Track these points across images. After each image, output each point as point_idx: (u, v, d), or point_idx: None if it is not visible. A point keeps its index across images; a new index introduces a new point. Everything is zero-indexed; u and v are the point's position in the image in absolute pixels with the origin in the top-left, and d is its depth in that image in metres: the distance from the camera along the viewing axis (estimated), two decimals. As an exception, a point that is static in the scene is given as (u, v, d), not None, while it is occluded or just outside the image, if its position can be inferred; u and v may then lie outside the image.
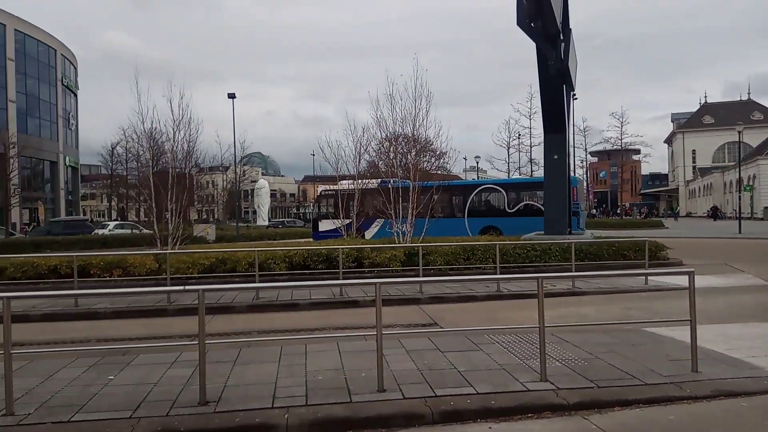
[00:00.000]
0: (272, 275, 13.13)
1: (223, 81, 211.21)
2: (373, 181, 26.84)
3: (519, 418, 4.58)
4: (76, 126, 61.67)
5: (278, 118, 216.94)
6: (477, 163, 52.81)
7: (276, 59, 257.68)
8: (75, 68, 60.75)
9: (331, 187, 29.20)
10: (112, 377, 5.51)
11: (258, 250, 12.90)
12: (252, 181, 68.12)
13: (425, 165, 20.34)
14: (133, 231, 33.47)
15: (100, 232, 34.20)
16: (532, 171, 48.21)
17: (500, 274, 12.64)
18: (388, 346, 6.00)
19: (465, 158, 54.03)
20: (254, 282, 11.67)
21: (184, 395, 4.91)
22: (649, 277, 11.84)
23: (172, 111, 15.52)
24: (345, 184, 29.95)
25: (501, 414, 4.61)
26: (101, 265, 13.30)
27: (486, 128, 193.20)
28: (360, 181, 30.13)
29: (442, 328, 8.24)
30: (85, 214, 73.67)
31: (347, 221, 26.27)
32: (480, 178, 47.13)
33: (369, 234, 25.86)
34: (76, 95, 61.05)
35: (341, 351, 6.37)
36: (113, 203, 70.64)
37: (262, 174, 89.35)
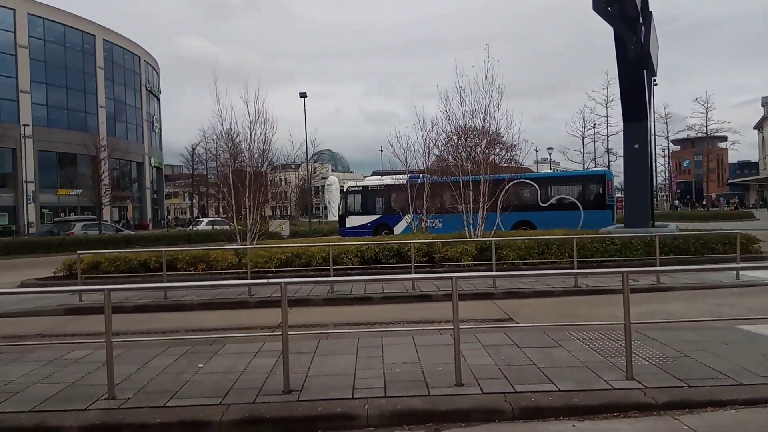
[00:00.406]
0: (345, 269, 13.38)
1: (295, 81, 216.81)
2: (401, 177, 25.99)
3: (604, 417, 4.43)
4: (160, 128, 65.32)
5: (346, 116, 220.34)
6: (549, 154, 51.33)
7: (344, 58, 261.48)
8: (157, 73, 64.28)
9: (358, 183, 29.10)
10: (201, 365, 5.82)
11: (332, 245, 13.17)
12: (322, 178, 69.58)
13: (495, 158, 19.99)
14: (223, 227, 35.13)
15: (195, 228, 35.94)
16: (609, 162, 46.32)
17: (577, 269, 12.25)
18: (463, 340, 5.96)
19: (536, 150, 52.62)
20: (328, 275, 11.95)
21: (269, 384, 5.11)
22: (741, 272, 11.10)
23: (248, 112, 16.11)
24: (373, 180, 29.48)
25: (585, 412, 4.49)
26: (187, 259, 14.03)
27: (558, 119, 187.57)
28: (387, 177, 29.88)
29: (517, 323, 8.10)
30: (168, 212, 77.88)
31: (375, 217, 27.06)
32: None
33: (398, 230, 25.64)
34: (159, 99, 64.63)
35: (417, 344, 6.40)
36: (194, 201, 74.22)
37: (332, 171, 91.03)
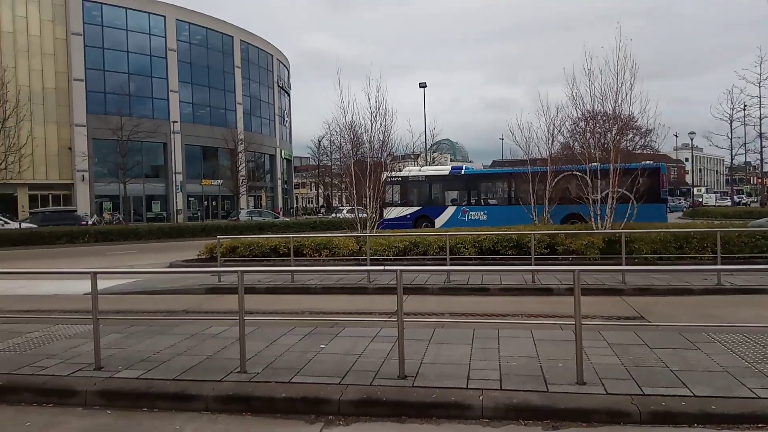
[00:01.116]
0: (462, 259, 13.29)
1: (413, 72, 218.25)
2: (442, 167, 26.57)
3: (745, 428, 4.00)
4: (290, 122, 69.18)
5: (465, 104, 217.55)
6: (691, 139, 46.78)
7: (462, 46, 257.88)
8: (288, 70, 67.99)
9: (397, 173, 28.20)
10: (323, 346, 6.11)
11: (449, 235, 13.13)
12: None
13: (627, 144, 18.63)
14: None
15: (339, 216, 37.58)
16: (762, 147, 41.23)
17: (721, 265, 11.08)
18: (587, 337, 5.66)
19: (676, 135, 48.21)
20: (444, 265, 11.95)
21: (385, 368, 5.24)
22: None
23: (369, 104, 16.52)
24: (412, 171, 28.33)
25: (723, 421, 4.08)
26: (312, 245, 14.79)
27: (701, 101, 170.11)
28: (427, 167, 28.45)
29: (649, 322, 7.53)
30: (297, 202, 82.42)
31: (416, 209, 26.32)
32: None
33: (439, 222, 25.05)
34: (289, 95, 68.41)
35: (535, 339, 6.20)
36: (320, 191, 77.81)
37: (451, 160, 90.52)
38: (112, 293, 10.65)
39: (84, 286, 11.44)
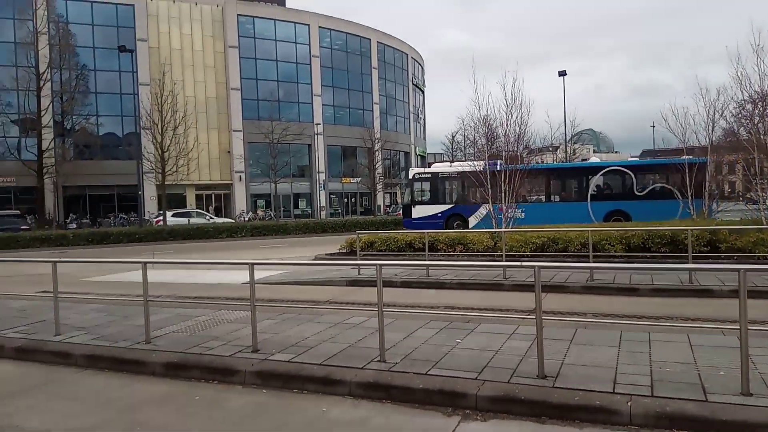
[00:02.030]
0: (607, 257, 12.51)
1: (550, 61, 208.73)
2: (477, 163, 23.52)
3: None
4: (424, 119, 69.95)
5: (609, 91, 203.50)
6: None
7: (603, 31, 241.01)
8: (422, 68, 68.78)
9: (426, 169, 26.59)
10: (459, 340, 6.15)
11: (591, 230, 12.43)
12: (582, 160, 65.77)
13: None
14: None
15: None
16: None
17: None
18: (755, 344, 5.08)
19: None
20: (587, 262, 11.34)
21: (523, 366, 5.13)
22: None
23: (505, 96, 16.18)
24: (443, 167, 26.46)
25: None
26: (446, 241, 14.87)
27: None
28: (458, 163, 26.44)
29: (836, 331, 6.51)
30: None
31: (447, 207, 24.80)
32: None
33: (473, 221, 23.37)
34: (423, 92, 69.19)
35: (692, 344, 5.67)
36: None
37: (594, 152, 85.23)
38: (266, 283, 11.61)
39: (241, 276, 12.63)
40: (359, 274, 12.18)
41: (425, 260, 12.77)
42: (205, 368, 5.66)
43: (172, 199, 37.96)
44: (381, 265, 5.55)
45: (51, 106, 37.57)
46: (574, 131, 55.97)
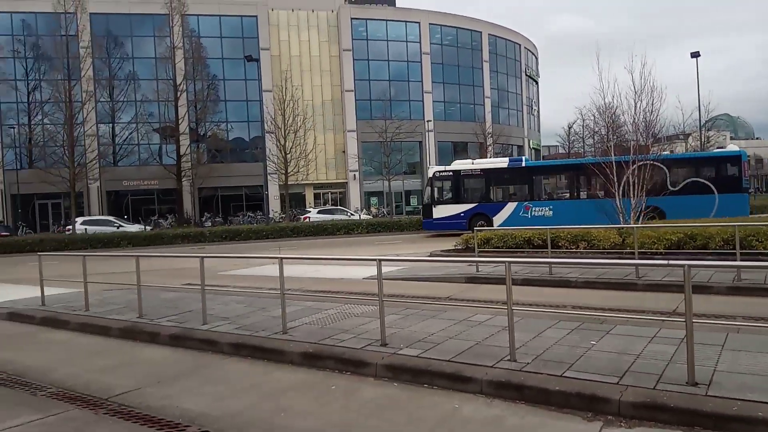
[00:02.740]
0: (757, 254, 11.30)
1: (676, 41, 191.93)
2: (498, 159, 23.17)
3: None
4: (538, 111, 67.58)
5: (747, 71, 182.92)
6: None
7: (736, 3, 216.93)
8: (536, 58, 66.47)
9: (447, 167, 25.31)
10: (593, 342, 5.87)
11: (737, 225, 11.29)
12: (718, 147, 59.92)
13: None
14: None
15: None
16: None
17: None
18: None
19: None
20: (732, 260, 10.32)
21: (669, 372, 4.79)
22: None
23: (633, 82, 15.18)
24: (464, 164, 25.09)
25: None
26: (568, 237, 14.27)
27: None
28: (480, 160, 25.87)
29: None
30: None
31: (471, 206, 23.81)
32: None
33: (497, 220, 23.00)
34: (537, 83, 66.85)
35: None
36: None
37: (731, 138, 77.33)
38: (384, 278, 11.85)
39: (361, 271, 13.02)
40: (477, 271, 12.06)
41: (546, 257, 12.34)
42: (338, 359, 5.91)
43: (292, 198, 39.98)
44: (510, 262, 5.43)
45: (187, 114, 41.22)
46: (708, 116, 51.24)
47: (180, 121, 39.18)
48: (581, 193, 23.43)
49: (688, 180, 21.78)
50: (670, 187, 21.46)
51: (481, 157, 48.24)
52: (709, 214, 19.52)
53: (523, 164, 24.58)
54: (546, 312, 7.21)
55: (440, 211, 24.71)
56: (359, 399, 5.03)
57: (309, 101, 45.76)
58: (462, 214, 24.12)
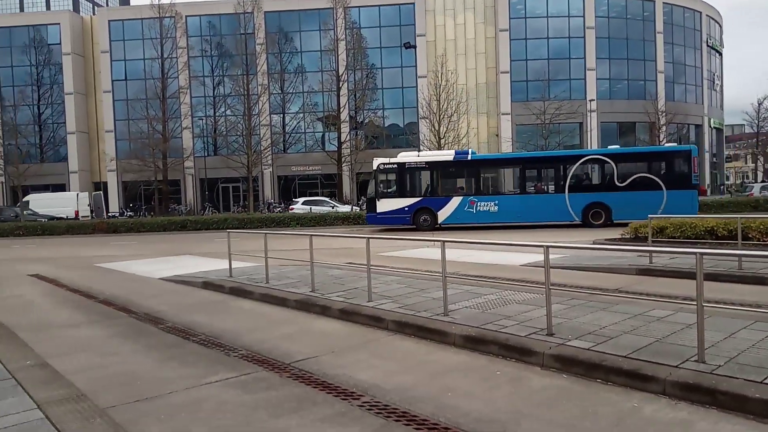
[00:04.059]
0: None
1: None
2: (444, 152, 23.29)
3: None
4: (721, 86, 59.92)
5: None
6: None
7: None
8: (720, 26, 58.85)
9: (392, 160, 23.88)
10: (804, 349, 5.10)
11: None
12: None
13: None
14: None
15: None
16: None
17: None
18: None
19: None
20: None
21: None
22: None
23: None
24: (408, 157, 24.00)
25: None
26: (762, 229, 12.51)
27: None
28: (426, 153, 25.26)
29: None
30: (728, 178, 71.23)
31: (415, 200, 22.94)
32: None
33: (442, 215, 22.54)
34: (720, 54, 59.22)
35: None
36: (759, 163, 65.11)
37: None
38: (543, 266, 11.44)
39: (519, 258, 12.71)
40: (651, 262, 11.10)
41: (735, 249, 10.94)
42: (503, 345, 5.84)
43: (445, 183, 40.17)
44: (701, 253, 4.88)
45: (347, 103, 43.37)
46: None
47: (341, 110, 41.36)
48: (529, 188, 22.80)
49: (636, 175, 21.34)
50: (617, 182, 21.22)
51: (651, 138, 44.27)
52: (656, 210, 19.09)
53: (469, 157, 23.43)
54: (740, 311, 6.39)
55: (384, 205, 23.66)
56: (527, 387, 4.92)
57: (463, 85, 45.45)
58: (406, 209, 23.27)
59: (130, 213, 43.87)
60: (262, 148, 42.32)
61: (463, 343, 6.18)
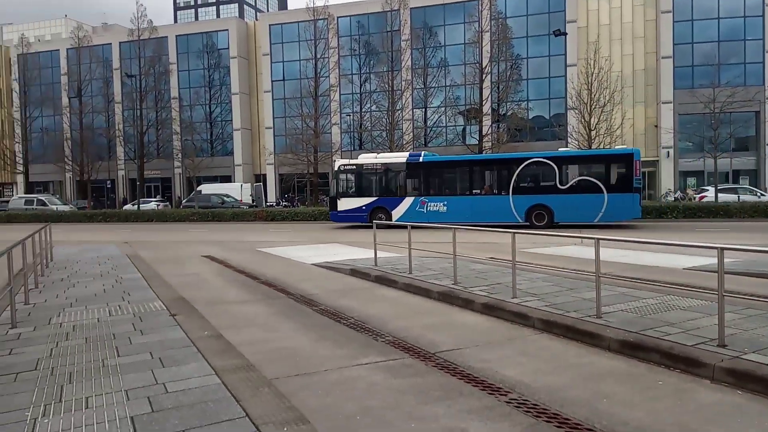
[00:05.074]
0: None
1: None
2: (398, 154, 25.49)
3: None
4: None
5: None
6: None
7: None
8: None
9: (352, 161, 25.80)
10: None
11: None
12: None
13: None
14: None
15: None
16: None
17: None
18: None
19: None
20: None
21: None
22: None
23: None
24: (367, 158, 25.33)
25: None
26: None
27: None
28: (384, 154, 26.27)
29: None
30: None
31: (371, 200, 24.19)
32: None
33: (396, 214, 23.73)
34: None
35: None
36: None
37: None
38: (711, 270, 10.32)
39: (681, 260, 11.61)
40: None
41: None
42: (665, 354, 5.39)
43: (594, 178, 37.86)
44: None
45: (490, 95, 42.63)
46: None
47: (483, 103, 40.77)
48: (475, 189, 23.62)
49: (578, 178, 21.64)
50: (558, 185, 21.64)
51: None
52: (597, 213, 20.52)
53: (421, 159, 24.34)
54: None
55: (344, 204, 25.07)
56: (694, 401, 4.50)
57: (617, 73, 42.33)
58: (364, 207, 24.55)
59: (286, 203, 47.40)
60: (404, 143, 43.19)
61: (618, 348, 5.81)
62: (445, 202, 23.39)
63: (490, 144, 42.10)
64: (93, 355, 5.80)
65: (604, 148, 31.09)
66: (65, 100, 55.65)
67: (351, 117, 50.33)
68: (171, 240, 22.08)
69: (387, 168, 24.84)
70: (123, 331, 6.82)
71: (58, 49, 58.97)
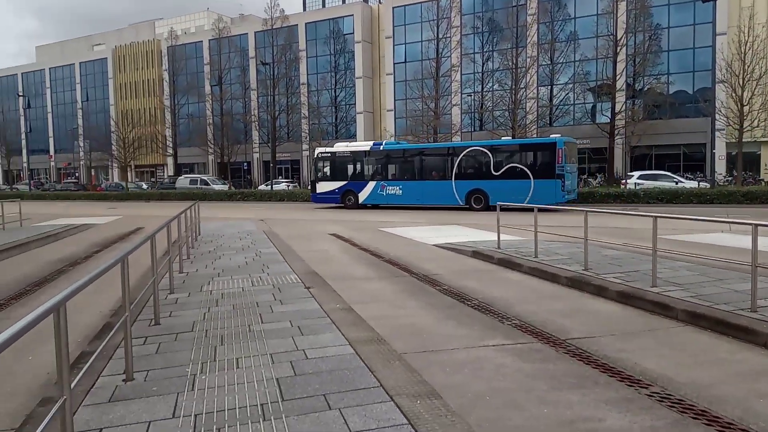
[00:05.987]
0: None
1: None
2: (364, 143, 28.65)
3: None
4: None
5: None
6: None
7: None
8: None
9: (328, 149, 29.12)
10: None
11: None
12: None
13: None
14: None
15: None
16: None
17: None
18: None
19: None
20: None
21: None
22: None
23: None
24: (340, 146, 28.84)
25: None
26: None
27: None
28: (354, 143, 30.86)
29: None
30: None
31: (342, 183, 27.70)
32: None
33: (362, 196, 27.07)
34: None
35: None
36: None
37: None
38: None
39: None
40: None
41: None
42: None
43: (744, 159, 34.00)
44: None
45: (624, 70, 39.61)
46: None
47: (617, 78, 38.03)
48: (424, 175, 25.73)
49: (509, 165, 23.70)
50: (493, 171, 23.88)
51: None
52: (525, 197, 22.02)
53: (382, 148, 27.17)
54: None
55: (321, 187, 28.45)
56: None
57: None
58: (336, 190, 27.84)
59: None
60: (528, 122, 41.66)
61: (777, 345, 5.25)
62: (400, 186, 26.29)
63: (623, 122, 39.27)
64: (240, 321, 6.36)
65: (750, 126, 28.33)
66: (207, 88, 60.63)
67: (472, 97, 49.49)
68: (300, 218, 23.38)
69: (355, 156, 27.87)
70: (264, 300, 7.39)
71: (201, 41, 64.24)
